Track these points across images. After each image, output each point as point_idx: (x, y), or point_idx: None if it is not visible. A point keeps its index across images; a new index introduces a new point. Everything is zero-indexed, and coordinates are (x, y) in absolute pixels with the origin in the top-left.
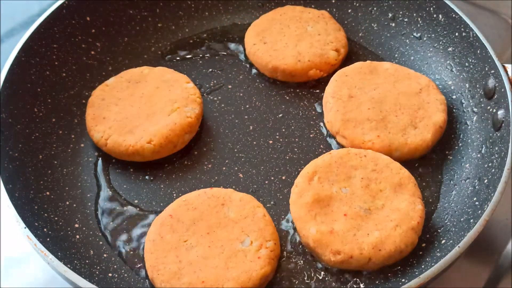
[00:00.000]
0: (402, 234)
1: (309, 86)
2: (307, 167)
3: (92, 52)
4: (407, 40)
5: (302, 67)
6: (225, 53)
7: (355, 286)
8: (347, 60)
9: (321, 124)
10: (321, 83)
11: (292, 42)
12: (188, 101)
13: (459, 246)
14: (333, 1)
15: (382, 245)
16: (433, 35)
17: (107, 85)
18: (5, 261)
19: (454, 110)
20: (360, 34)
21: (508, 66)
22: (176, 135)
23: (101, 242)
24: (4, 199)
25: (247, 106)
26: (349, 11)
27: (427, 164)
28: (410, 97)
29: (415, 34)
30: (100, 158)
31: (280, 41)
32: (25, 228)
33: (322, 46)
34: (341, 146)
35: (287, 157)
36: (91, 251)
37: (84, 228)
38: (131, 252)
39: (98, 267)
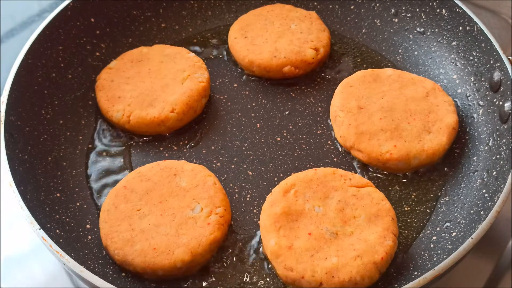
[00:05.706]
0: (361, 266)
1: (315, 83)
2: (287, 179)
3: (97, 54)
4: (411, 35)
5: (277, 63)
6: (229, 52)
7: None
8: (348, 59)
9: (328, 120)
10: (328, 80)
11: (272, 39)
12: (195, 68)
13: (472, 238)
14: None
15: (336, 272)
16: (436, 29)
17: (111, 68)
18: (5, 261)
19: (460, 104)
20: (364, 31)
21: None
22: (195, 100)
23: None
24: (18, 200)
25: (254, 104)
26: (352, 7)
27: None
28: (419, 102)
29: (418, 29)
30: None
31: (261, 37)
32: (39, 229)
33: (301, 44)
34: (357, 159)
35: (295, 154)
36: (104, 252)
37: (95, 229)
38: None
39: (112, 267)
